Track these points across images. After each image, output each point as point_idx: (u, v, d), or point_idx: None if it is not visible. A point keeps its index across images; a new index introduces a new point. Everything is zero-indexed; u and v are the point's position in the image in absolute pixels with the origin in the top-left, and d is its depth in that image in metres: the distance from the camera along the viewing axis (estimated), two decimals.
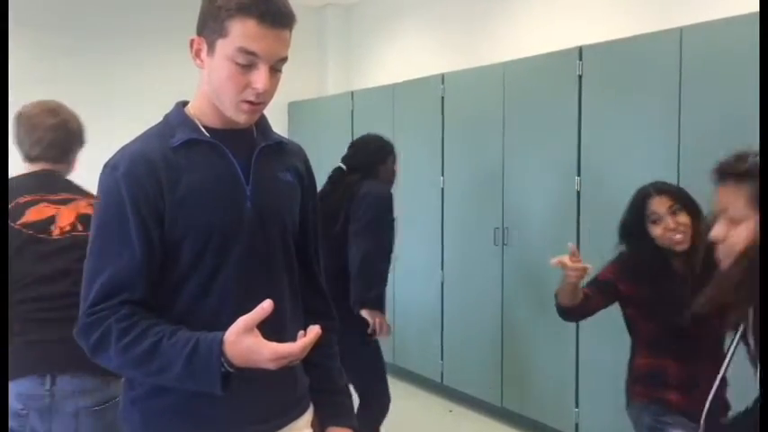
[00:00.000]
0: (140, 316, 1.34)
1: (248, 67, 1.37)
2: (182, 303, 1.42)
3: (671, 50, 3.37)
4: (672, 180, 3.36)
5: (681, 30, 3.35)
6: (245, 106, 1.40)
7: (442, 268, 4.85)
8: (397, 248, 5.32)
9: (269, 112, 1.54)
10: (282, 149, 1.57)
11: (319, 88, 6.87)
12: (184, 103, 1.50)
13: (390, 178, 3.69)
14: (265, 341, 1.28)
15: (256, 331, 1.28)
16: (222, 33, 1.36)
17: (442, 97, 4.80)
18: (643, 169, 3.54)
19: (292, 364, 1.32)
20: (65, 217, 2.17)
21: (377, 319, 3.48)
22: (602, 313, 3.82)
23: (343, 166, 3.68)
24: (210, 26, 1.37)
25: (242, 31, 1.34)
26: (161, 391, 1.40)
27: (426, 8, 5.96)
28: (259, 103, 1.41)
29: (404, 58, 6.17)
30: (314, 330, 1.30)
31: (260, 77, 1.37)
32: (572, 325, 3.91)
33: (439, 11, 5.81)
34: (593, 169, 3.81)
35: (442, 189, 4.82)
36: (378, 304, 3.48)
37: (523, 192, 4.23)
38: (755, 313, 1.49)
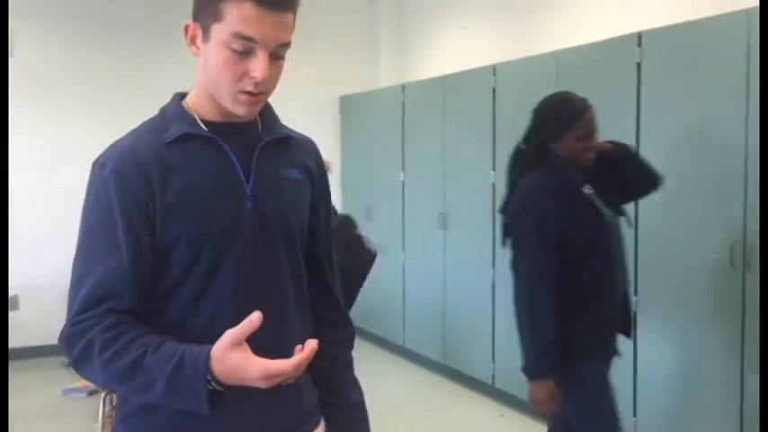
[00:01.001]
0: (127, 326, 1.24)
1: (245, 53, 1.24)
2: (174, 311, 1.31)
3: (737, 34, 3.10)
4: (740, 175, 3.12)
5: (747, 12, 3.08)
6: (244, 97, 1.28)
7: (493, 266, 4.67)
8: (447, 246, 5.24)
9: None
10: (290, 144, 1.45)
11: (372, 81, 6.76)
12: (183, 95, 1.39)
13: (575, 159, 2.56)
14: (255, 358, 1.15)
15: (245, 346, 1.16)
16: (217, 17, 1.24)
17: (494, 89, 4.61)
18: (708, 163, 3.30)
19: (287, 382, 1.20)
20: None
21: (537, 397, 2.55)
22: (658, 317, 3.62)
23: (522, 146, 2.75)
24: (205, 10, 1.26)
25: (238, 15, 1.22)
26: (152, 409, 1.29)
27: None
28: (259, 93, 1.28)
29: (457, 48, 5.99)
30: (309, 345, 1.18)
31: (258, 65, 1.24)
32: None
33: None
34: (653, 163, 3.56)
35: (494, 184, 4.63)
36: (538, 373, 2.55)
37: None
38: None
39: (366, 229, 3.92)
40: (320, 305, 1.52)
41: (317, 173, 1.49)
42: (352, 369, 1.60)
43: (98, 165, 1.30)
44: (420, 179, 5.48)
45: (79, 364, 1.25)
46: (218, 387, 1.18)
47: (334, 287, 1.56)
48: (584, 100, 2.65)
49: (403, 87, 5.70)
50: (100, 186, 1.28)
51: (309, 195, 1.46)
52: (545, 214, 2.53)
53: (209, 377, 1.17)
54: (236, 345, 1.15)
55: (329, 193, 1.54)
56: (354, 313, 6.72)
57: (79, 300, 1.26)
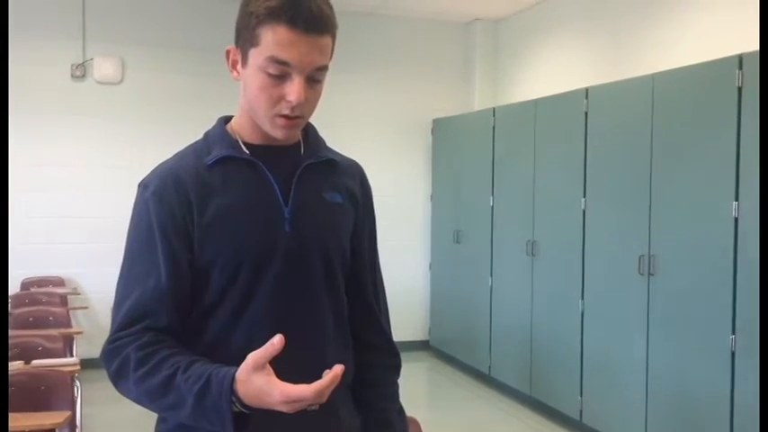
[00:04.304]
0: (162, 344, 1.25)
1: (282, 77, 1.24)
2: (212, 331, 1.32)
3: None
4: None
5: None
6: (281, 121, 1.28)
7: (583, 297, 4.50)
8: (535, 275, 5.09)
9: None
10: (333, 167, 1.43)
11: (466, 104, 6.73)
12: (227, 119, 1.41)
13: None
14: (277, 381, 1.13)
15: (268, 369, 1.14)
16: (254, 42, 1.25)
17: (586, 113, 4.47)
18: None
19: (311, 408, 1.17)
20: None
21: None
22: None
23: None
24: (243, 35, 1.27)
25: (272, 39, 1.22)
26: (189, 428, 1.30)
27: (575, 20, 5.64)
28: (296, 117, 1.28)
29: (551, 72, 5.88)
30: (333, 371, 1.14)
31: (293, 89, 1.24)
32: (727, 366, 3.44)
33: (588, 22, 5.49)
34: (753, 193, 3.34)
35: (584, 211, 4.47)
36: None
37: (673, 217, 3.81)
38: None
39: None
40: (364, 331, 1.49)
41: (361, 197, 1.46)
42: (397, 398, 1.55)
43: (141, 186, 1.34)
44: (509, 205, 5.37)
45: (116, 380, 1.28)
46: (243, 409, 1.17)
47: (380, 313, 1.52)
48: None
49: (494, 111, 5.63)
50: (142, 207, 1.31)
51: (352, 220, 1.44)
52: None
53: (233, 399, 1.16)
54: (258, 367, 1.14)
55: (374, 219, 1.51)
56: (440, 338, 6.68)
57: (119, 318, 1.29)
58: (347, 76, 6.24)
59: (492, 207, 5.55)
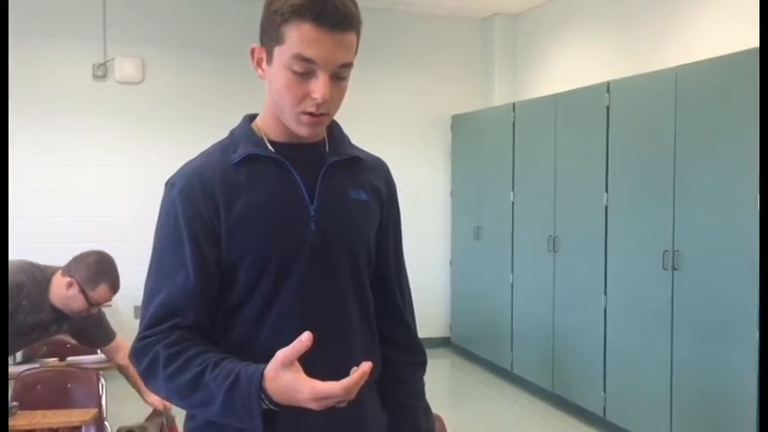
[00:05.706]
0: (190, 342, 1.26)
1: (307, 75, 1.24)
2: (239, 328, 1.32)
3: None
4: None
5: None
6: (306, 118, 1.28)
7: (606, 293, 4.47)
8: (557, 270, 5.07)
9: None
10: (358, 165, 1.43)
11: (486, 100, 6.71)
12: (252, 117, 1.42)
13: None
14: (306, 378, 1.14)
15: (297, 366, 1.14)
16: (278, 40, 1.25)
17: (608, 107, 4.43)
18: None
19: (339, 405, 1.18)
20: None
21: None
22: None
23: None
24: (268, 33, 1.27)
25: (297, 36, 1.22)
26: (218, 424, 1.31)
27: (595, 13, 5.60)
28: (320, 114, 1.28)
29: (572, 67, 5.84)
30: (361, 369, 1.14)
31: (318, 86, 1.24)
32: (753, 361, 3.40)
33: (609, 15, 5.44)
34: None
35: (606, 207, 4.44)
36: None
37: (697, 211, 3.77)
38: None
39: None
40: (389, 328, 1.49)
41: (386, 194, 1.46)
42: (423, 395, 1.55)
43: (168, 185, 1.34)
44: (530, 200, 5.35)
45: (146, 378, 1.29)
46: (272, 406, 1.17)
47: (405, 311, 1.52)
48: None
49: (514, 106, 5.60)
50: (169, 206, 1.32)
51: (377, 217, 1.44)
52: None
53: (262, 396, 1.16)
54: (287, 364, 1.14)
55: (399, 216, 1.51)
56: (461, 335, 6.64)
57: (147, 316, 1.29)
58: (365, 72, 6.20)
59: (513, 203, 5.53)
